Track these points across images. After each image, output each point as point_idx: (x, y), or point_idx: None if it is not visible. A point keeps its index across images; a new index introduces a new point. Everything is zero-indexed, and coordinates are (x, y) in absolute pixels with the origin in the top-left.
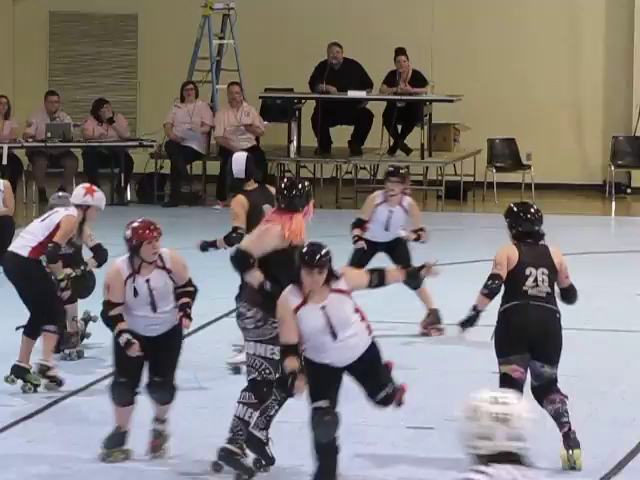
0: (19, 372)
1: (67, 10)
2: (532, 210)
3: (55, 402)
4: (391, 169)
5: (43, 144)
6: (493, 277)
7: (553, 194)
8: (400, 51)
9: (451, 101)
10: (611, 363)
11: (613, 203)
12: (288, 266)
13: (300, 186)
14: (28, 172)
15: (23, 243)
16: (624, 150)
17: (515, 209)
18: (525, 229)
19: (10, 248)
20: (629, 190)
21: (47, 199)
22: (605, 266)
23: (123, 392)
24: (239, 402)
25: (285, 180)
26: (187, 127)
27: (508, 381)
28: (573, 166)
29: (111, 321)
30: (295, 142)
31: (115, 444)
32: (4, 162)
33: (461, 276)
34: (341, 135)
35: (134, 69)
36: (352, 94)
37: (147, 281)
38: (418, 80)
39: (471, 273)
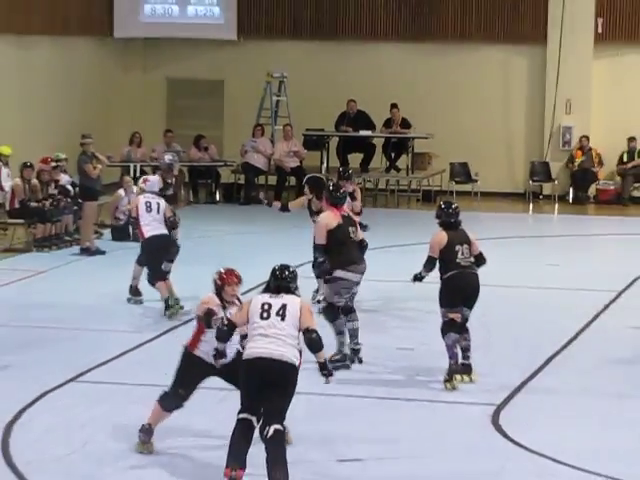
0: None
1: (178, 77)
2: (452, 207)
3: None
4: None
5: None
6: (429, 260)
7: (492, 199)
8: (393, 105)
9: (426, 138)
10: (518, 309)
11: (530, 205)
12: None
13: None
14: None
15: (159, 225)
16: (538, 170)
17: (442, 206)
18: (447, 219)
19: (157, 232)
20: (541, 197)
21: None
22: (524, 245)
23: (177, 402)
24: None
25: (331, 184)
26: (255, 153)
27: (453, 323)
28: (505, 180)
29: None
30: (325, 164)
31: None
32: (137, 175)
33: None
34: (355, 159)
35: (221, 115)
36: (362, 133)
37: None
38: (405, 124)
39: None
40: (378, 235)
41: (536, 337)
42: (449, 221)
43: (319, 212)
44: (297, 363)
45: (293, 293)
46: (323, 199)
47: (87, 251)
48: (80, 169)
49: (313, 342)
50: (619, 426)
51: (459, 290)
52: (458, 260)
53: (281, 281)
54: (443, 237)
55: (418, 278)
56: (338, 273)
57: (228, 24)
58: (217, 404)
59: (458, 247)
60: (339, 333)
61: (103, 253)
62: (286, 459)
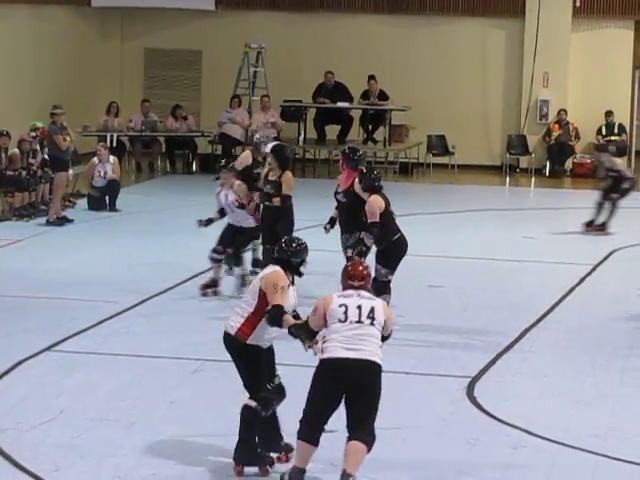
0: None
1: (156, 47)
2: (375, 172)
3: None
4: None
5: (139, 134)
6: (373, 225)
7: (469, 171)
8: (371, 77)
9: (404, 110)
10: (493, 282)
11: (507, 178)
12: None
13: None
14: (129, 152)
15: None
16: (515, 143)
17: (367, 172)
18: (377, 184)
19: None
20: (518, 170)
21: (141, 170)
22: (501, 218)
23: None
24: None
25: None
26: (232, 124)
27: (389, 285)
28: (482, 153)
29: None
30: (302, 135)
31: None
32: (114, 145)
33: (407, 220)
34: (332, 131)
35: (199, 86)
36: (340, 104)
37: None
38: (383, 96)
39: (417, 218)
40: None
41: (511, 310)
42: (380, 185)
43: (273, 182)
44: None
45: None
46: (359, 183)
47: (55, 222)
48: (49, 140)
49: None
50: (592, 399)
51: (403, 253)
52: (396, 221)
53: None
54: (382, 201)
55: (364, 253)
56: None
57: None
58: (191, 374)
59: (393, 209)
60: None
61: (71, 221)
62: (247, 435)
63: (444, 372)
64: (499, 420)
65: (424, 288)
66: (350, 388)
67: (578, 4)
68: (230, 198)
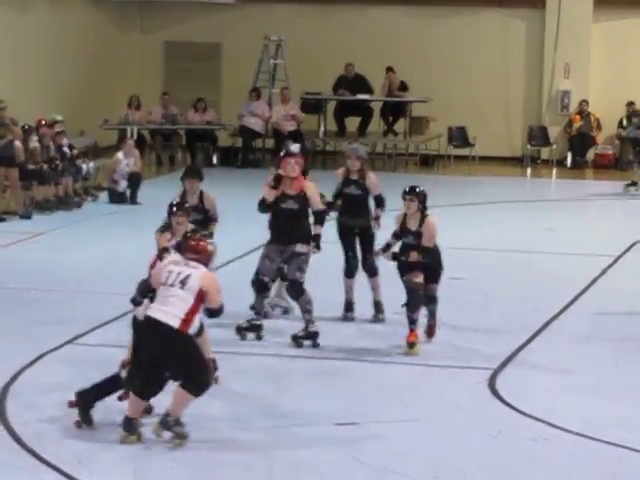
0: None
1: (176, 40)
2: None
3: None
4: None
5: (159, 126)
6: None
7: (490, 163)
8: (390, 69)
9: (424, 102)
10: (514, 274)
11: (528, 169)
12: None
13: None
14: (149, 145)
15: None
16: (536, 134)
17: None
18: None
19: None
20: (539, 161)
21: (162, 163)
22: (522, 209)
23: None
24: None
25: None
26: (252, 117)
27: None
28: (502, 145)
29: None
30: (322, 127)
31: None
32: (135, 138)
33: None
34: (352, 123)
35: (219, 78)
36: (360, 96)
37: None
38: (403, 87)
39: (438, 210)
40: None
41: (533, 301)
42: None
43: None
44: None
45: None
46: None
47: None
48: None
49: None
50: (615, 392)
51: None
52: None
53: None
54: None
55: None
56: None
57: None
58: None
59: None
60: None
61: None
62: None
63: (465, 364)
64: (521, 412)
65: (445, 280)
66: None
67: None
68: None
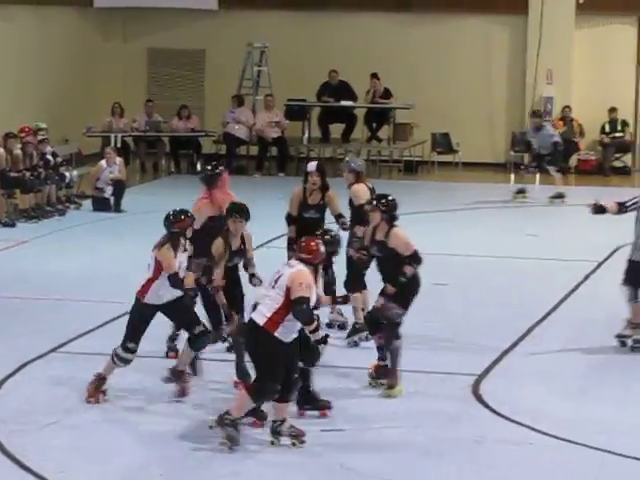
0: None
1: (159, 47)
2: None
3: None
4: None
5: (143, 134)
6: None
7: (473, 169)
8: (374, 75)
9: (408, 108)
10: (497, 279)
11: (512, 175)
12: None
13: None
14: (133, 152)
15: None
16: (519, 141)
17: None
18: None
19: None
20: (522, 167)
21: (146, 170)
22: (505, 215)
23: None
24: None
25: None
26: (236, 124)
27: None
28: (486, 151)
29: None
30: (307, 134)
31: None
32: (118, 145)
33: (411, 218)
34: (336, 130)
35: (203, 85)
36: (344, 103)
37: None
38: (387, 94)
39: (422, 216)
40: None
41: (516, 307)
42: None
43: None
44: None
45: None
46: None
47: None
48: None
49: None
50: (598, 396)
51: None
52: None
53: None
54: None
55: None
56: None
57: None
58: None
59: None
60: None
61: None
62: None
63: (449, 370)
64: (505, 417)
65: (428, 286)
66: None
67: (581, 0)
68: None
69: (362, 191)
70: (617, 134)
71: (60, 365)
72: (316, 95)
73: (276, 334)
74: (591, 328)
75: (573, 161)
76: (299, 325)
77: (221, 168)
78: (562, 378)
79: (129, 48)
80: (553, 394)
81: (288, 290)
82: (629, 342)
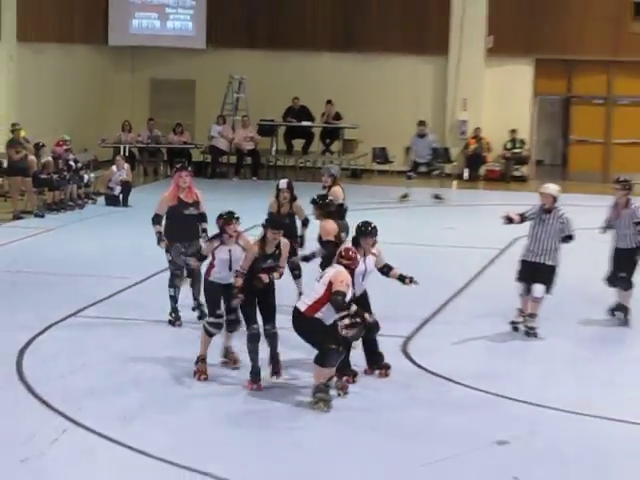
0: None
1: (160, 77)
2: (329, 199)
3: None
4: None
5: (146, 145)
6: (328, 242)
7: (404, 176)
8: (328, 101)
9: (354, 128)
10: (419, 263)
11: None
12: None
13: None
14: (138, 160)
15: None
16: (440, 154)
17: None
18: (331, 208)
19: None
20: (443, 174)
21: (148, 174)
22: (428, 212)
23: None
24: None
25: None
26: (220, 138)
27: None
28: None
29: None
30: (274, 147)
31: None
32: (126, 154)
33: (357, 213)
34: (298, 144)
35: (194, 107)
36: (304, 123)
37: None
38: (338, 116)
39: (362, 212)
40: None
41: (436, 285)
42: (332, 211)
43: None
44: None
45: None
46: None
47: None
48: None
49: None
50: (501, 353)
51: None
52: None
53: None
54: (334, 225)
55: (308, 259)
56: None
57: (199, 36)
58: (186, 335)
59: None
60: None
61: (22, 218)
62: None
63: (385, 333)
64: (427, 370)
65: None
66: None
67: (490, 45)
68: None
69: (339, 192)
70: (516, 150)
71: (78, 327)
72: (282, 117)
73: (315, 315)
74: (495, 301)
75: (482, 171)
76: (333, 314)
77: (176, 168)
78: (472, 340)
79: (136, 78)
80: (466, 352)
81: (330, 285)
82: (521, 328)
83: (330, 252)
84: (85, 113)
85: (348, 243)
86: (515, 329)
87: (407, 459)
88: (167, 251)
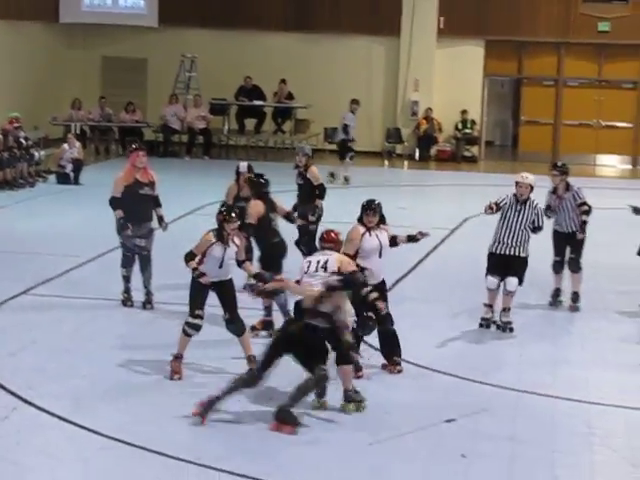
0: None
1: (111, 55)
2: (263, 179)
3: None
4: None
5: (98, 123)
6: (250, 225)
7: (356, 156)
8: (282, 81)
9: (306, 107)
10: None
11: (386, 161)
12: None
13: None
14: (89, 138)
15: None
16: (392, 134)
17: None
18: (263, 189)
19: None
20: (394, 155)
21: (99, 152)
22: (381, 193)
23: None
24: None
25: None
26: (172, 117)
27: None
28: (366, 141)
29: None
30: (226, 126)
31: None
32: (78, 132)
33: None
34: (250, 123)
35: (145, 86)
36: (256, 102)
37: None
38: (290, 96)
39: None
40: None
41: (389, 263)
42: (266, 192)
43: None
44: None
45: None
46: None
47: None
48: None
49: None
50: (448, 331)
51: (283, 254)
52: (277, 228)
53: None
54: (261, 206)
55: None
56: None
57: (151, 14)
58: (138, 314)
59: (272, 215)
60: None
61: None
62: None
63: None
64: (375, 348)
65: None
66: None
67: (442, 26)
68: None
69: (317, 172)
70: (467, 130)
71: (28, 306)
72: (234, 96)
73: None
74: (444, 279)
75: (433, 151)
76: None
77: (132, 147)
78: (422, 317)
79: (87, 55)
80: (415, 330)
81: (339, 270)
82: (498, 322)
83: (251, 235)
84: (35, 91)
85: (324, 226)
86: (487, 326)
87: (355, 440)
88: (118, 232)
